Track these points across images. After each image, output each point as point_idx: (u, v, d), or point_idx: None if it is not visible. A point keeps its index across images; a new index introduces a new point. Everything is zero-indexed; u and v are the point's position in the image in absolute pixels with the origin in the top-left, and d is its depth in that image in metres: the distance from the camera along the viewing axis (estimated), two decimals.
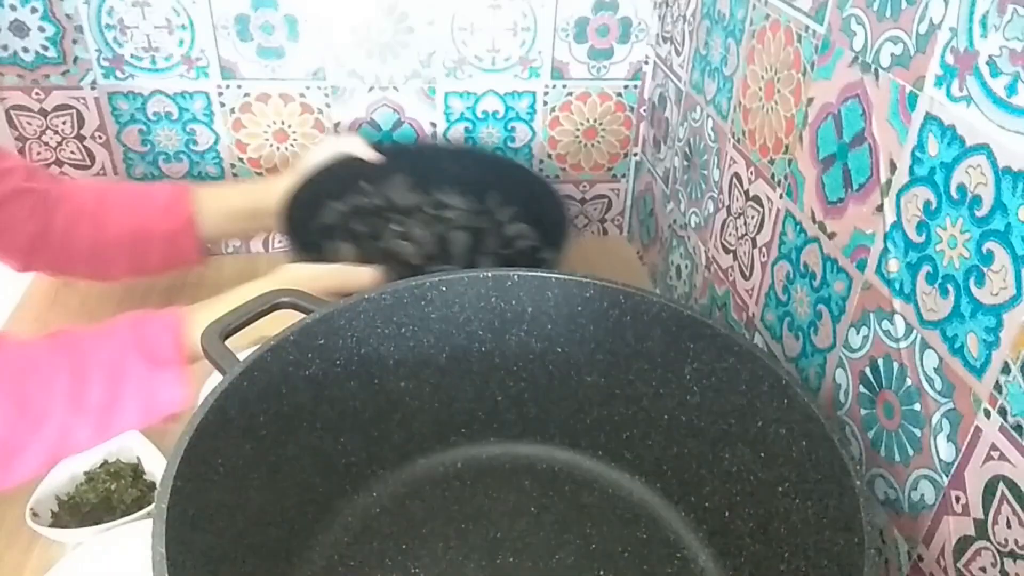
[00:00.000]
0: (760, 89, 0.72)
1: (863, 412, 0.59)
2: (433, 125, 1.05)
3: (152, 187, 0.91)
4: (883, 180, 0.54)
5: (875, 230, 0.56)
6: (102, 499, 0.71)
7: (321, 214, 0.90)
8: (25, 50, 0.93)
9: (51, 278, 1.03)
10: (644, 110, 1.07)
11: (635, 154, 1.11)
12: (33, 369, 0.61)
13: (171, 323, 0.67)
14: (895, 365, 0.54)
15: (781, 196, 0.69)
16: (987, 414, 0.46)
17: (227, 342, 0.61)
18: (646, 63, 1.03)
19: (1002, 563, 0.46)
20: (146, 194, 0.88)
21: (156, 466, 0.74)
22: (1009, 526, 0.45)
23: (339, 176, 0.92)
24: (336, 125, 1.03)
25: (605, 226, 1.18)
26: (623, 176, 1.13)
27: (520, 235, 0.91)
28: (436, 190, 0.95)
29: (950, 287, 0.48)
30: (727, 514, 0.63)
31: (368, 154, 0.93)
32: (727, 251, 0.81)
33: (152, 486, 0.73)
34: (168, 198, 0.87)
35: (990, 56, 0.44)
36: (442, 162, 0.99)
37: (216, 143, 1.02)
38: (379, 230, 0.89)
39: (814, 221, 0.64)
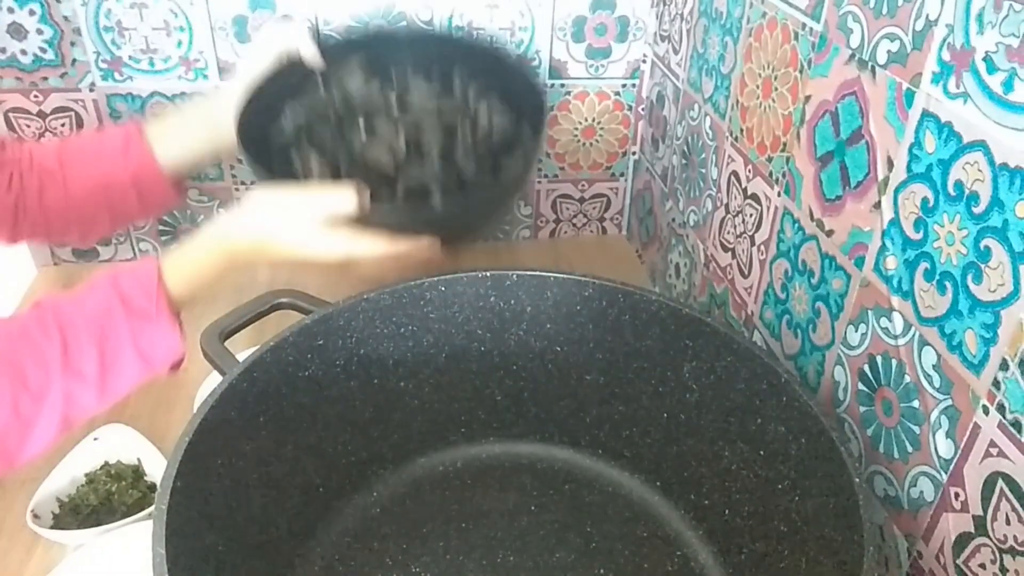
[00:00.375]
0: (757, 87, 0.72)
1: (862, 409, 0.59)
2: None
3: (105, 133, 0.85)
4: (880, 177, 0.54)
5: (873, 227, 0.56)
6: (103, 500, 0.71)
7: (278, 123, 0.82)
8: (23, 52, 0.93)
9: (55, 273, 1.03)
10: (642, 109, 1.07)
11: (633, 153, 1.11)
12: (23, 343, 0.61)
13: (147, 274, 0.66)
14: (893, 362, 0.54)
15: (779, 194, 0.69)
16: (985, 411, 0.46)
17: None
18: (644, 62, 1.03)
19: (1001, 559, 0.46)
20: (101, 143, 0.84)
21: (156, 467, 0.74)
22: (1008, 523, 0.45)
23: (289, 78, 0.83)
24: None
25: (604, 225, 1.18)
26: (622, 175, 1.13)
27: (495, 125, 0.82)
28: (398, 79, 0.86)
29: (948, 284, 0.49)
30: (727, 512, 0.63)
31: (311, 56, 0.83)
32: (726, 249, 0.81)
33: (152, 487, 0.73)
34: (122, 141, 0.82)
35: (987, 52, 0.44)
36: (401, 47, 0.89)
37: None
38: (344, 130, 0.81)
39: (812, 219, 0.64)
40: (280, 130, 0.82)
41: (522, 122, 0.82)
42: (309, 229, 0.66)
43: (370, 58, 0.86)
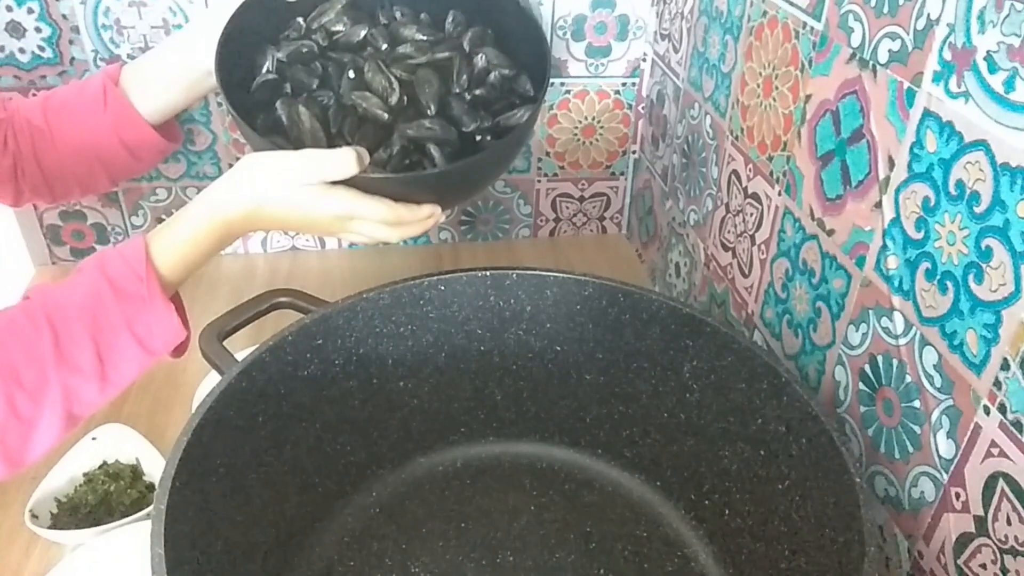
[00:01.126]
0: (758, 86, 0.72)
1: (863, 409, 0.59)
2: None
3: (84, 86, 0.81)
4: (881, 177, 0.54)
5: (874, 227, 0.56)
6: (101, 500, 0.71)
7: (260, 71, 0.77)
8: (21, 51, 0.92)
9: (53, 272, 1.03)
10: (642, 108, 1.07)
11: (633, 152, 1.11)
12: (12, 339, 0.58)
13: (135, 255, 0.62)
14: (894, 362, 0.54)
15: (780, 193, 0.69)
16: (986, 411, 0.46)
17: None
18: (644, 60, 1.03)
19: (1002, 560, 0.46)
20: (81, 96, 0.80)
21: (155, 467, 0.74)
22: (1009, 523, 0.45)
23: (268, 16, 0.78)
24: None
25: (604, 224, 1.18)
26: (622, 174, 1.13)
27: (492, 65, 0.78)
28: (383, 16, 0.81)
29: (949, 284, 0.48)
30: (727, 512, 0.63)
31: None
32: (726, 248, 0.81)
33: (151, 487, 0.73)
34: (100, 94, 0.78)
35: (988, 52, 0.44)
36: None
37: (214, 143, 1.01)
38: (331, 79, 0.77)
39: (813, 218, 0.64)
40: (264, 80, 0.77)
41: (522, 74, 0.78)
42: (306, 192, 0.63)
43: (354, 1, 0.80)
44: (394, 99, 0.73)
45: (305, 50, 0.77)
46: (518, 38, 0.79)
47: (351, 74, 0.75)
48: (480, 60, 0.78)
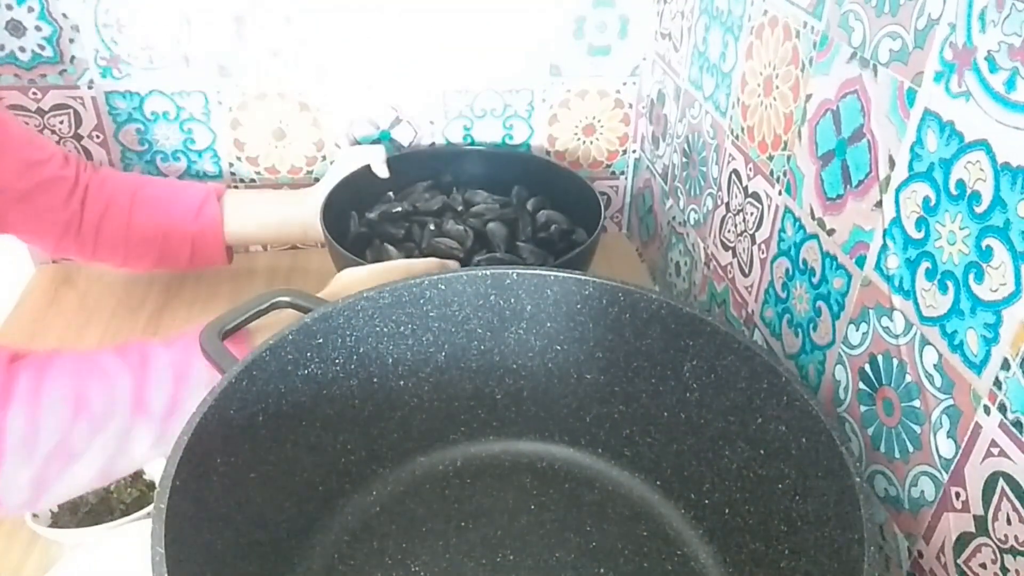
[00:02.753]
0: (759, 85, 0.72)
1: (863, 409, 0.59)
2: (431, 123, 1.05)
3: (185, 187, 0.92)
4: (882, 176, 0.54)
5: (874, 226, 0.56)
6: (101, 499, 0.72)
7: (353, 224, 0.93)
8: (22, 49, 0.92)
9: (53, 271, 1.03)
10: (643, 107, 1.07)
11: (634, 151, 1.11)
12: (97, 371, 0.60)
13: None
14: (894, 361, 0.54)
15: (780, 192, 0.69)
16: (987, 410, 0.46)
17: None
18: (644, 60, 1.03)
19: (1002, 559, 0.46)
20: (178, 193, 0.90)
21: (155, 466, 0.74)
22: (1009, 522, 0.45)
23: (365, 187, 0.95)
24: (353, 139, 1.04)
25: (604, 223, 1.18)
26: (622, 173, 1.13)
27: (552, 220, 0.94)
28: (459, 192, 0.99)
29: (949, 283, 0.48)
30: (727, 511, 0.63)
31: (380, 169, 0.96)
32: (726, 248, 0.81)
33: (151, 486, 0.73)
34: (199, 200, 0.88)
35: (989, 51, 0.44)
36: (462, 165, 1.04)
37: (214, 142, 1.02)
38: (415, 232, 0.92)
39: (813, 217, 0.64)
40: (357, 233, 0.92)
41: (578, 227, 0.94)
42: None
43: (434, 173, 1.02)
44: (469, 243, 0.88)
45: (393, 211, 0.94)
46: (573, 198, 0.95)
47: (432, 227, 0.91)
48: (542, 217, 0.94)
